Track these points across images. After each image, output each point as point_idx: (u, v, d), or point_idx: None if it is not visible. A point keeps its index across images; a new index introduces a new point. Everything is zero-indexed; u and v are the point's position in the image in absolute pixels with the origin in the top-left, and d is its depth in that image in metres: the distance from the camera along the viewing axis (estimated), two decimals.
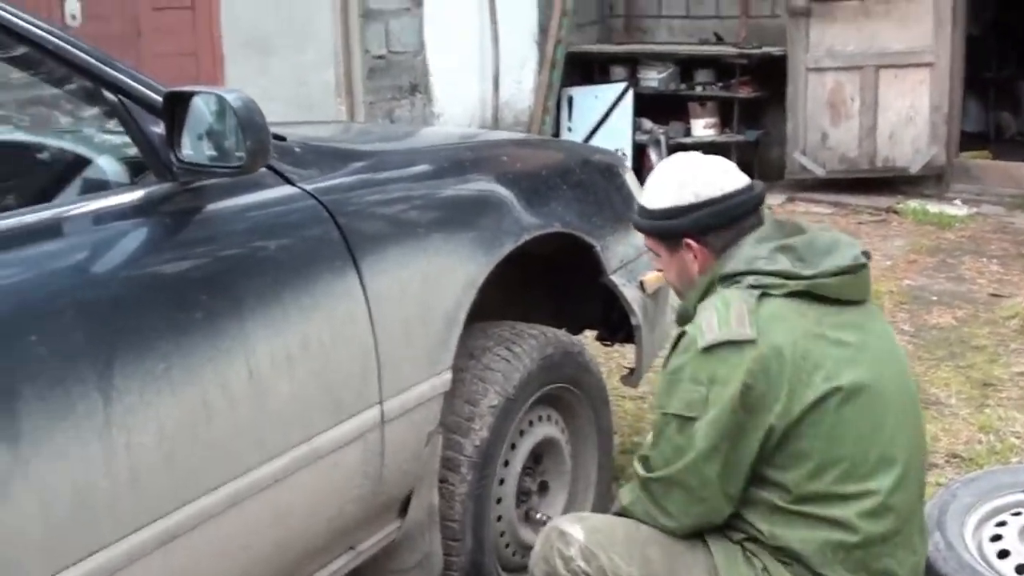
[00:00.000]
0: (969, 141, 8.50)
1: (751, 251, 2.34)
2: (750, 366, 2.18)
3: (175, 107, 2.04)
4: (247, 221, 2.23)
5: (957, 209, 7.39)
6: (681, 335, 2.33)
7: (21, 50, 1.98)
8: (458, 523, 2.73)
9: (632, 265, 3.38)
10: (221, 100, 2.00)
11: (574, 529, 2.42)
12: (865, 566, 2.27)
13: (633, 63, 8.14)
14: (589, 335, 3.71)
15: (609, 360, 4.48)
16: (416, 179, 2.71)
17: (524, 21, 7.70)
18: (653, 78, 7.99)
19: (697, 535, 2.36)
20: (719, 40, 8.07)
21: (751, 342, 2.20)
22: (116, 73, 2.04)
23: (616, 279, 3.29)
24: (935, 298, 5.64)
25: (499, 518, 2.90)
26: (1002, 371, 4.62)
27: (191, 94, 2.03)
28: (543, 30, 7.82)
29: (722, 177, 2.42)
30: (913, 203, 7.38)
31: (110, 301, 1.90)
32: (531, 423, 3.01)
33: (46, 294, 1.82)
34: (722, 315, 2.24)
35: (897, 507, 2.29)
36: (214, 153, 2.03)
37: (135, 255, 1.99)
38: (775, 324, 2.23)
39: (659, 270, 2.71)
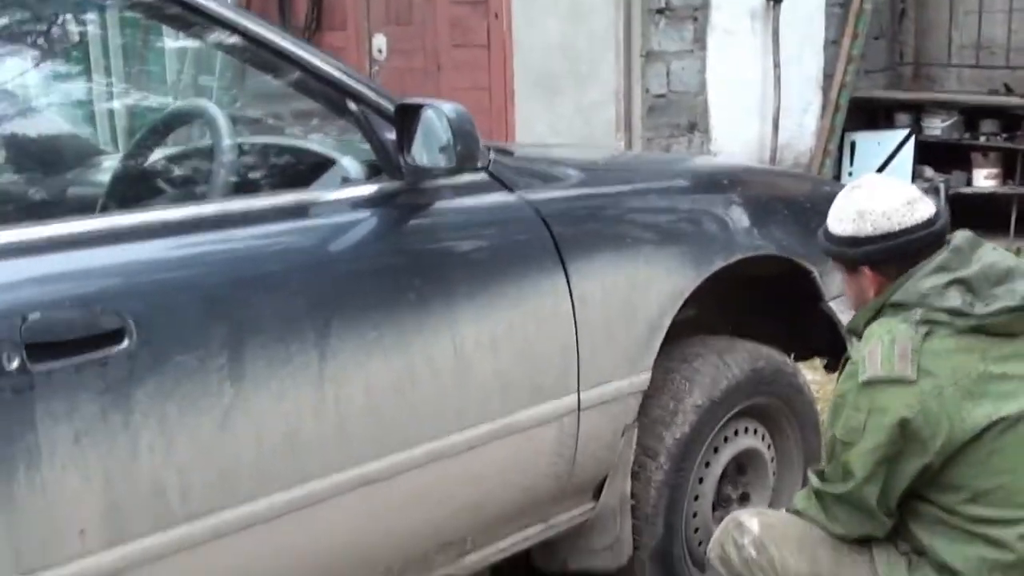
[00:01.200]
0: None
1: (925, 283, 2.37)
2: (909, 402, 2.27)
3: (405, 116, 2.37)
4: (465, 219, 2.54)
5: None
6: (846, 360, 2.45)
7: (288, 68, 2.38)
8: (652, 508, 2.94)
9: None
10: (440, 111, 2.31)
11: (751, 522, 2.60)
12: None
13: (918, 110, 8.05)
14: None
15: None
16: (631, 195, 2.97)
17: (808, 66, 7.78)
18: (937, 126, 7.89)
19: (865, 543, 2.49)
20: (1008, 91, 7.90)
21: (911, 382, 2.28)
22: (358, 86, 2.39)
23: (834, 306, 3.42)
24: None
25: (695, 515, 3.09)
26: None
27: (419, 106, 2.36)
28: (828, 75, 7.87)
29: (903, 210, 2.42)
30: None
31: (334, 274, 2.25)
32: (736, 432, 3.18)
33: (280, 263, 2.19)
34: (886, 351, 2.31)
35: None
36: (434, 157, 2.34)
37: (361, 239, 2.34)
38: (938, 362, 2.30)
39: None
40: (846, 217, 2.49)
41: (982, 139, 7.85)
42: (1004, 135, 7.77)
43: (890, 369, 2.29)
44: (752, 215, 3.18)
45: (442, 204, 2.50)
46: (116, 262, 2.01)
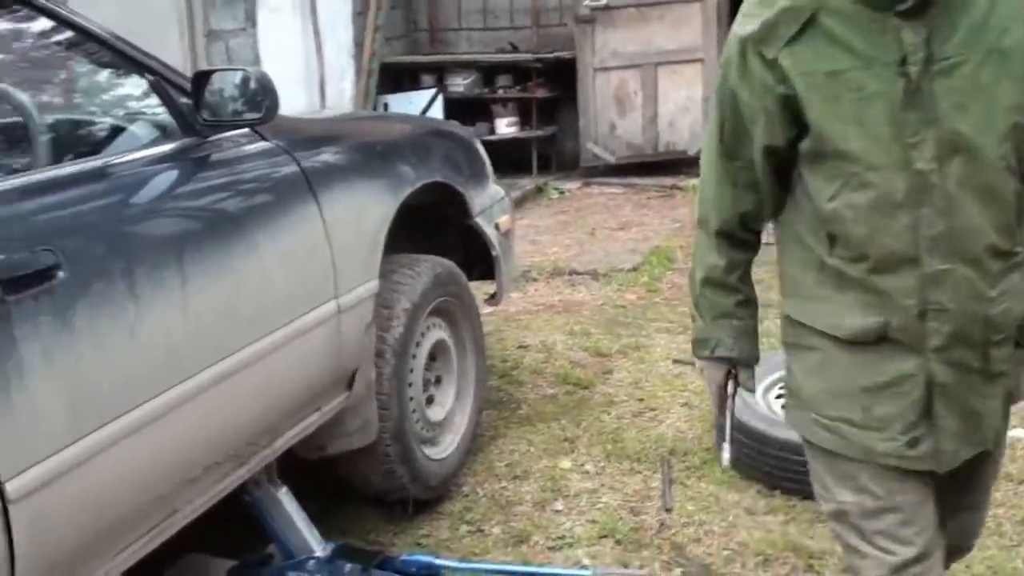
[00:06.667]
0: None
1: None
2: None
3: (201, 82, 2.91)
4: (248, 164, 3.12)
5: None
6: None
7: (94, 48, 2.84)
8: (387, 396, 3.63)
9: (488, 212, 4.37)
10: (247, 73, 2.88)
11: None
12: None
13: (440, 71, 9.11)
14: None
15: None
16: (351, 141, 3.64)
17: (341, 36, 8.55)
18: (459, 84, 8.98)
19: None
20: (515, 48, 9.13)
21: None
22: (152, 63, 2.91)
23: (479, 221, 4.26)
24: None
25: (411, 398, 3.81)
26: None
27: (212, 71, 2.92)
28: (358, 44, 8.70)
29: None
30: (693, 180, 8.52)
31: (176, 213, 2.78)
32: (429, 328, 3.94)
33: (146, 205, 2.71)
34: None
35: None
36: (239, 111, 2.91)
37: (188, 184, 2.87)
38: None
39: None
40: None
41: (500, 92, 9.04)
42: (518, 87, 8.99)
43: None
44: (424, 151, 3.96)
45: (233, 152, 3.09)
46: (40, 209, 2.45)
